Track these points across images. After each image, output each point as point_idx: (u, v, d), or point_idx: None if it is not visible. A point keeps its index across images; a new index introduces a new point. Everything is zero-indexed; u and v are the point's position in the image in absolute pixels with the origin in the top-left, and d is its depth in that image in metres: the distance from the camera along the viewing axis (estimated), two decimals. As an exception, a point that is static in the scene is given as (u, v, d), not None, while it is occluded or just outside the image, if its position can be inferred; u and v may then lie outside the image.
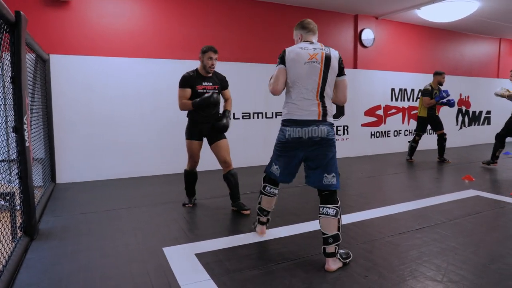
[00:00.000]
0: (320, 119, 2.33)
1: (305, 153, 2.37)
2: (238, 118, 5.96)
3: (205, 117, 3.48)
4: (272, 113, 6.25)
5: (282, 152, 2.46)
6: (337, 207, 2.31)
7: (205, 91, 3.41)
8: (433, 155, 6.97)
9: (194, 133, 3.52)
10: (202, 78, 3.46)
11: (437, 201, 3.83)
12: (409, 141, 6.89)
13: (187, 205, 3.72)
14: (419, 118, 6.50)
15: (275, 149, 2.54)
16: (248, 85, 5.98)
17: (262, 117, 6.17)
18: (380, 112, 7.61)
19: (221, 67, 5.77)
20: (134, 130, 5.22)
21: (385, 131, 7.72)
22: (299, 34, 2.53)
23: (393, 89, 7.73)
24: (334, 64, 2.35)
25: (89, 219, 3.37)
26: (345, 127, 7.15)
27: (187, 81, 3.41)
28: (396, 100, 7.81)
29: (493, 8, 6.62)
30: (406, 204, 3.76)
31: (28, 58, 3.42)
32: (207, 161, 5.69)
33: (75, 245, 2.73)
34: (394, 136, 7.86)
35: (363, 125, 7.40)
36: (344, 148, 7.12)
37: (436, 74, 6.25)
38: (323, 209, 2.32)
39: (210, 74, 3.50)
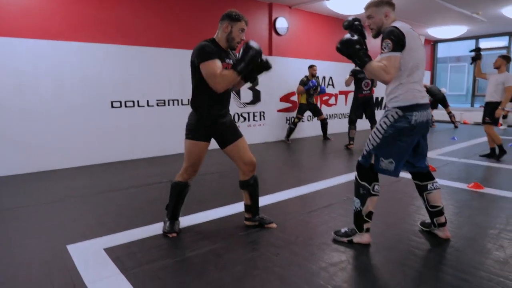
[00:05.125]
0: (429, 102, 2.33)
1: (418, 138, 2.30)
2: (153, 106, 5.71)
3: (222, 109, 2.56)
4: (189, 100, 6.08)
5: (402, 141, 2.22)
6: None
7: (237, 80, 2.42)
8: (342, 139, 7.53)
9: (201, 131, 2.51)
10: (224, 53, 2.49)
11: (344, 179, 4.14)
12: (289, 124, 7.69)
13: (171, 235, 2.58)
14: (300, 105, 7.35)
15: (388, 141, 2.23)
16: (162, 71, 5.75)
17: (178, 104, 6.00)
18: (294, 98, 7.94)
19: (132, 52, 5.47)
20: (31, 120, 4.66)
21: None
22: (385, 11, 2.25)
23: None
24: None
25: (-24, 221, 2.95)
26: (262, 113, 7.32)
27: (214, 51, 2.38)
28: (309, 87, 8.20)
29: (397, 3, 7.27)
30: (316, 184, 4.00)
31: None
32: (115, 150, 5.39)
33: (-43, 252, 2.37)
34: (308, 121, 8.28)
35: (278, 110, 7.66)
36: (261, 134, 7.30)
37: (308, 67, 7.18)
38: (433, 185, 2.40)
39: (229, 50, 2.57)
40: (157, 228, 2.72)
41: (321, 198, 3.47)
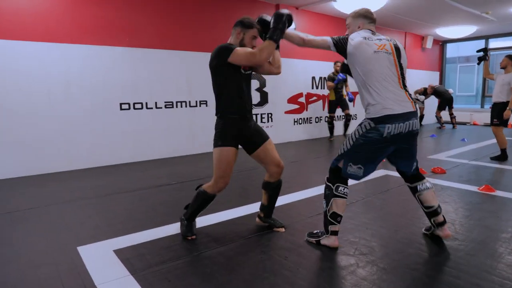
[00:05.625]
0: (415, 109, 2.25)
1: (397, 147, 2.25)
2: (161, 108, 5.74)
3: (246, 109, 2.50)
4: (196, 101, 6.13)
5: (372, 151, 2.22)
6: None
7: (245, 72, 2.48)
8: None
9: (229, 136, 2.44)
10: None
11: (352, 182, 4.10)
12: (327, 123, 8.10)
13: (190, 237, 2.58)
14: (329, 102, 7.74)
15: (358, 149, 2.23)
16: (170, 73, 5.78)
17: (186, 106, 6.03)
18: (302, 99, 7.93)
19: (141, 54, 5.50)
20: (40, 122, 4.72)
21: (307, 118, 8.08)
22: (359, 23, 2.37)
23: (313, 77, 8.10)
24: (404, 54, 2.32)
25: (-12, 222, 2.99)
26: (269, 115, 7.32)
27: (234, 47, 2.40)
28: (317, 88, 8.20)
29: (398, 4, 7.24)
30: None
31: None
32: (123, 152, 5.44)
33: (-30, 253, 2.41)
34: (316, 122, 8.26)
35: (286, 112, 7.65)
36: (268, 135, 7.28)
37: (334, 63, 7.49)
38: (423, 185, 2.38)
39: None
40: (166, 230, 2.73)
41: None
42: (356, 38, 2.24)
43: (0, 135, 4.47)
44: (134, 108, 5.48)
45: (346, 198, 2.32)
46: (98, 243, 2.54)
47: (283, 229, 2.73)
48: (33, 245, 2.54)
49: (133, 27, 5.44)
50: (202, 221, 2.91)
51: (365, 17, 2.38)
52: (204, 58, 6.00)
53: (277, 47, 2.50)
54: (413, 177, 2.43)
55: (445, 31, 10.16)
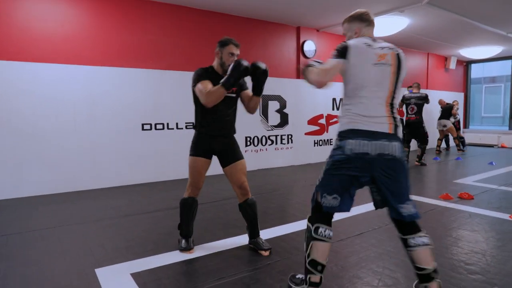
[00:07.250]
0: (392, 132, 1.87)
1: (371, 175, 1.87)
2: (182, 128, 5.81)
3: (221, 129, 2.73)
4: (217, 122, 6.17)
5: (342, 174, 1.87)
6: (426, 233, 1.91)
7: (227, 94, 2.65)
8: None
9: (201, 148, 2.72)
10: (220, 77, 2.69)
11: (371, 205, 3.98)
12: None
13: (188, 252, 2.71)
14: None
15: (328, 174, 1.92)
16: (191, 94, 5.86)
17: (207, 127, 6.07)
18: (322, 121, 7.87)
19: (161, 75, 5.64)
20: (65, 142, 4.85)
21: (327, 139, 7.99)
22: (355, 28, 2.04)
23: (334, 99, 8.05)
24: (405, 66, 1.99)
25: (10, 241, 3.04)
26: (289, 136, 7.28)
27: (206, 74, 2.69)
28: (337, 109, 8.14)
29: (420, 25, 7.19)
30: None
31: None
32: (145, 172, 5.48)
33: (-9, 272, 2.44)
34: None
35: (306, 133, 7.60)
36: (288, 157, 7.24)
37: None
38: (414, 240, 1.86)
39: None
40: (184, 254, 2.69)
41: (352, 226, 3.35)
42: (358, 43, 1.91)
43: (26, 154, 4.61)
44: (156, 129, 5.56)
45: (328, 242, 1.90)
46: (115, 266, 2.52)
47: (266, 253, 2.68)
48: (53, 266, 2.55)
49: (156, 49, 5.59)
50: (219, 245, 2.87)
51: (361, 20, 2.03)
52: (225, 80, 6.09)
53: (259, 94, 2.69)
54: (406, 226, 1.91)
55: (469, 52, 9.97)
